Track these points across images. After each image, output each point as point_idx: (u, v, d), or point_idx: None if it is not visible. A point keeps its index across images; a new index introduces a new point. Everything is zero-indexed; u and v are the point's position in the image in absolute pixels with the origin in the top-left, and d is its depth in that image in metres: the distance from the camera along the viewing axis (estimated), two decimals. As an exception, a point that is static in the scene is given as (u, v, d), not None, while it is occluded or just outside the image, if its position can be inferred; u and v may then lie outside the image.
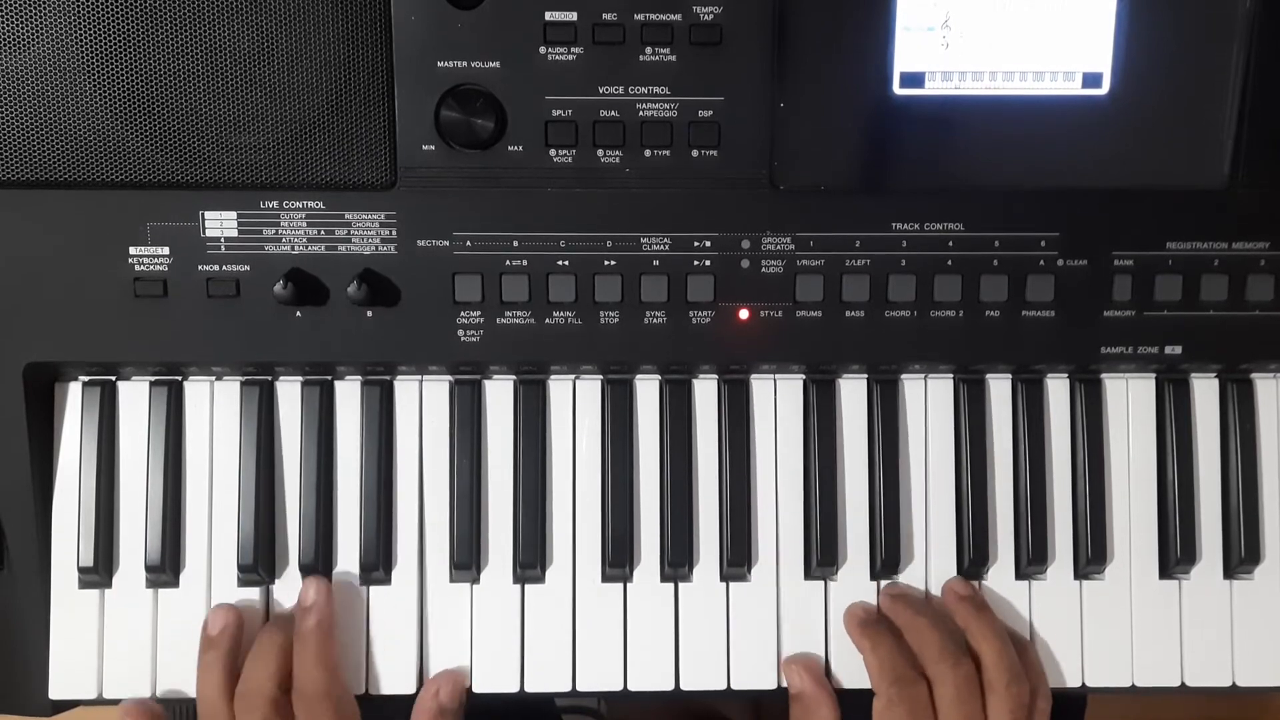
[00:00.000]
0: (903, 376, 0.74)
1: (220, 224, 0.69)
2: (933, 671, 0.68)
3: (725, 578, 0.73)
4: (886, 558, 0.72)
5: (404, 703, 0.72)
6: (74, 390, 0.72)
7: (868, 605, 0.73)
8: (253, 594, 0.72)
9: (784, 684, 0.72)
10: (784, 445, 0.73)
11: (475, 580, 0.72)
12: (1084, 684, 0.73)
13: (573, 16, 0.66)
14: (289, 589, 0.72)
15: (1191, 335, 0.71)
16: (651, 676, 0.72)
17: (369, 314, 0.70)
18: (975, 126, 0.69)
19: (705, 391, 0.73)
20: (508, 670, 0.72)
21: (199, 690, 0.69)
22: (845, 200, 0.70)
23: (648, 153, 0.68)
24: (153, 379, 0.72)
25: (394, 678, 0.72)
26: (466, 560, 0.72)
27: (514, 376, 0.73)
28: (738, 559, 0.72)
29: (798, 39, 0.67)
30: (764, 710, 1.31)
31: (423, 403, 0.73)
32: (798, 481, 0.73)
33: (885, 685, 0.68)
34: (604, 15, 0.66)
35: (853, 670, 0.72)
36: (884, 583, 0.73)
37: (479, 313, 0.70)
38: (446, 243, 0.69)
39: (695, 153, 0.68)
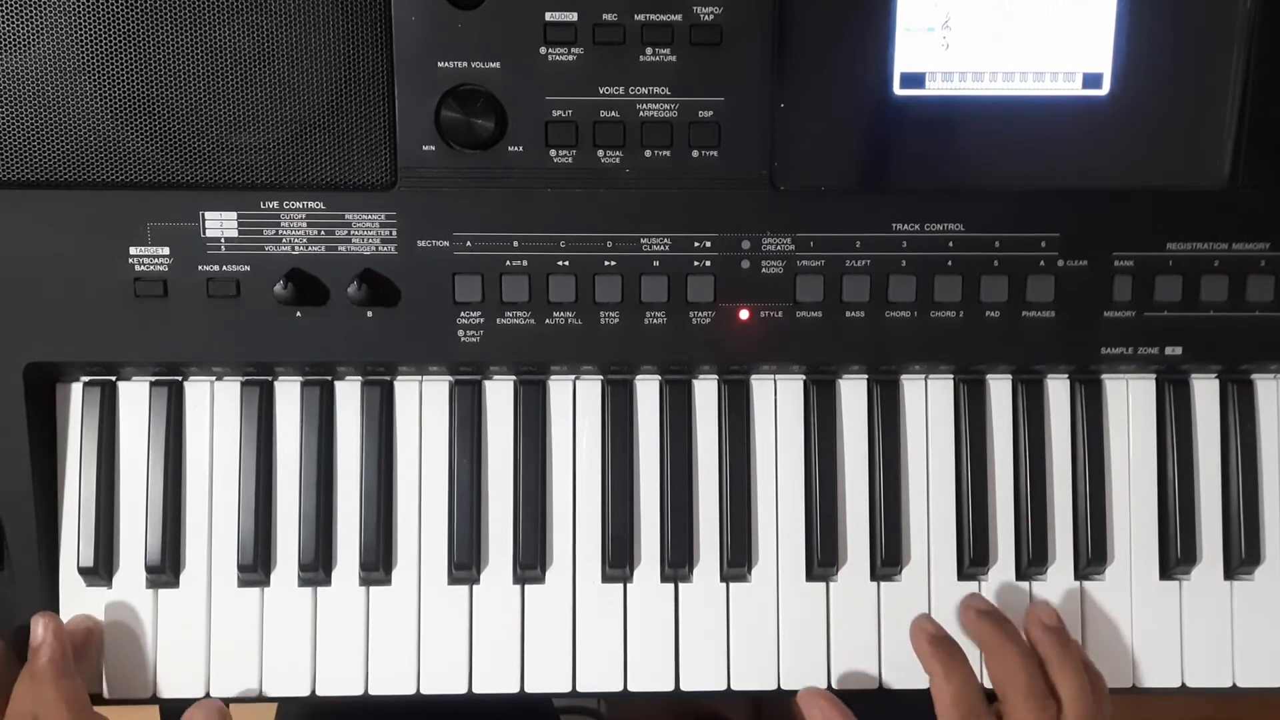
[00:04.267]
0: (903, 377, 0.74)
1: (220, 224, 0.69)
2: (1015, 708, 0.65)
3: (725, 578, 0.73)
4: (887, 558, 0.72)
5: (403, 703, 0.72)
6: (75, 390, 0.72)
7: (935, 621, 0.71)
8: (252, 594, 0.72)
9: (783, 685, 0.72)
10: (784, 445, 0.73)
11: (475, 581, 0.72)
12: (1084, 684, 0.73)
13: (573, 17, 0.66)
14: (289, 589, 0.72)
15: (1192, 336, 0.71)
16: (651, 677, 0.72)
17: (369, 314, 0.70)
18: (976, 127, 0.69)
19: (705, 392, 0.73)
20: (508, 670, 0.72)
21: None
22: (845, 200, 0.70)
23: (648, 153, 0.68)
24: (153, 379, 0.72)
25: (394, 678, 0.72)
26: (467, 560, 0.72)
27: (514, 377, 0.73)
28: (738, 559, 0.72)
29: (798, 39, 0.67)
30: (764, 710, 1.31)
31: (423, 403, 0.73)
32: (798, 482, 0.73)
33: (956, 717, 0.65)
34: (604, 15, 0.66)
35: (853, 672, 0.72)
36: (966, 591, 0.73)
37: (479, 313, 0.70)
38: (446, 243, 0.69)
39: (695, 153, 0.68)
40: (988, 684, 0.69)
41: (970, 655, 0.69)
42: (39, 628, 0.68)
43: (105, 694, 0.72)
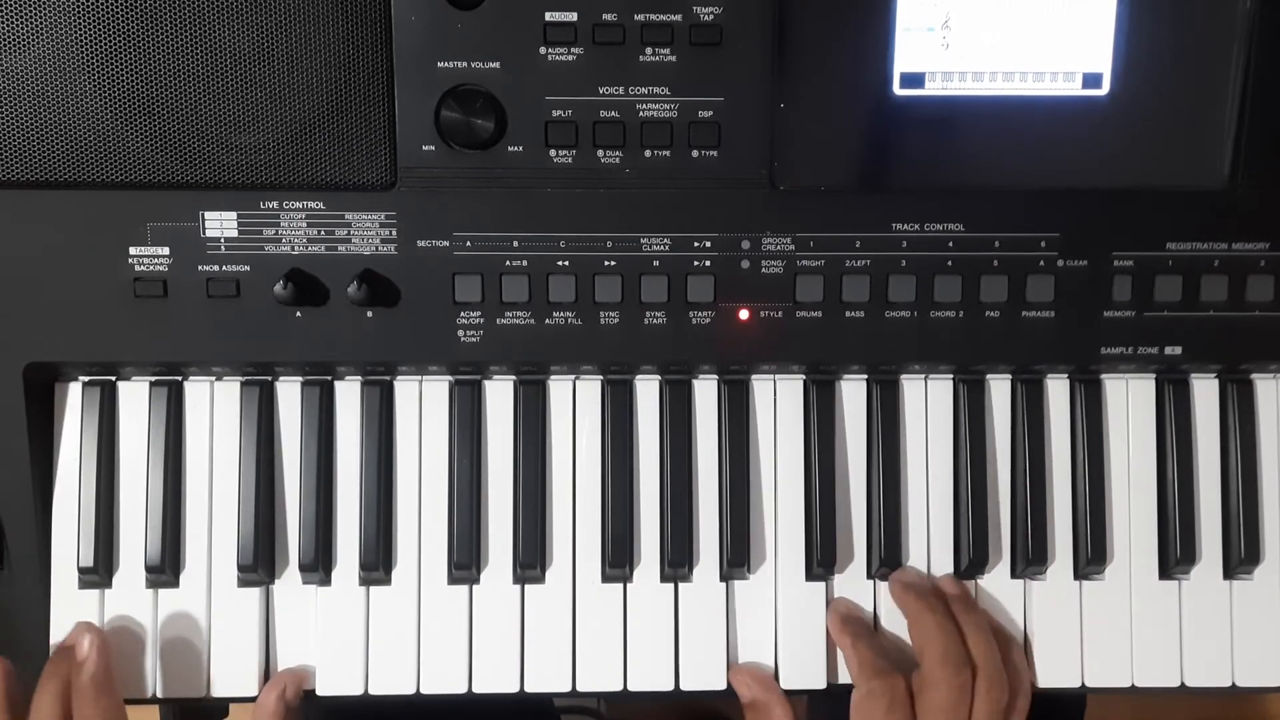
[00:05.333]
0: (903, 377, 0.74)
1: (220, 224, 0.69)
2: (932, 674, 0.67)
3: (725, 578, 0.73)
4: (886, 558, 0.72)
5: (403, 703, 0.72)
6: (74, 390, 0.72)
7: (849, 602, 0.73)
8: (253, 594, 0.72)
9: (783, 684, 0.72)
10: (784, 445, 0.73)
11: (475, 580, 0.72)
12: (1083, 684, 0.73)
13: (573, 17, 0.66)
14: (288, 588, 0.72)
15: (1191, 336, 0.71)
16: (651, 676, 0.72)
17: (369, 314, 0.70)
18: (975, 127, 0.69)
19: (705, 392, 0.73)
20: (508, 670, 0.72)
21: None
22: (845, 200, 0.70)
23: (648, 153, 0.68)
24: (153, 379, 0.72)
25: (394, 678, 0.72)
26: (466, 561, 0.72)
27: (514, 377, 0.73)
28: (738, 559, 0.72)
29: (798, 39, 0.67)
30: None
31: (423, 403, 0.73)
32: (798, 482, 0.73)
33: (864, 679, 0.69)
34: (604, 15, 0.66)
35: (853, 670, 0.73)
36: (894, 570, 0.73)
37: (479, 313, 0.70)
38: (446, 243, 0.69)
39: (695, 153, 0.68)
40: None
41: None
42: (84, 642, 0.68)
43: (105, 694, 0.72)
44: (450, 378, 0.73)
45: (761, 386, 0.73)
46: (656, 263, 0.70)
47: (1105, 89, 0.68)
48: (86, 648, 0.67)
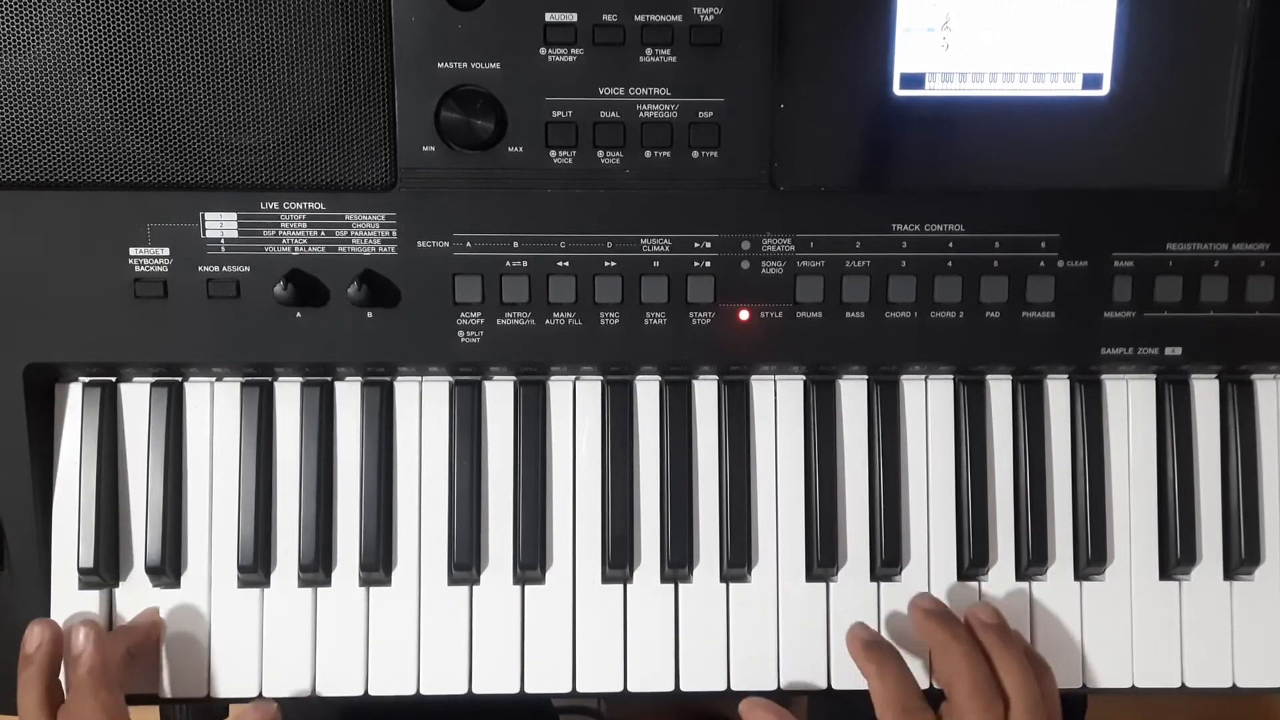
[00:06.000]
0: (903, 377, 0.74)
1: (220, 225, 0.69)
2: (961, 708, 0.65)
3: (725, 578, 0.73)
4: (886, 558, 0.72)
5: (403, 704, 0.72)
6: (74, 391, 0.72)
7: (869, 627, 0.72)
8: (252, 595, 0.72)
9: (783, 685, 0.72)
10: (784, 446, 0.73)
11: (475, 581, 0.72)
12: (1084, 685, 0.73)
13: (573, 17, 0.66)
14: (289, 589, 0.72)
15: (1192, 336, 0.71)
16: (651, 677, 0.72)
17: (369, 315, 0.70)
18: (975, 127, 0.69)
19: (705, 392, 0.73)
20: (508, 671, 0.72)
21: (19, 707, 0.66)
22: (845, 201, 0.70)
23: (648, 153, 0.68)
24: (153, 380, 0.72)
25: (393, 679, 0.72)
26: (466, 561, 0.72)
27: (514, 377, 0.73)
28: (738, 560, 0.72)
29: (798, 39, 0.67)
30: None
31: (423, 404, 0.73)
32: (798, 482, 0.73)
33: (891, 715, 0.66)
34: (604, 16, 0.66)
35: (853, 671, 0.72)
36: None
37: (479, 313, 0.70)
38: (446, 243, 0.69)
39: (695, 153, 0.68)
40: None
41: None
42: (79, 637, 0.67)
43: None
44: (450, 378, 0.73)
45: (761, 387, 0.73)
46: (656, 263, 0.70)
47: (1105, 89, 0.68)
48: (81, 643, 0.67)
